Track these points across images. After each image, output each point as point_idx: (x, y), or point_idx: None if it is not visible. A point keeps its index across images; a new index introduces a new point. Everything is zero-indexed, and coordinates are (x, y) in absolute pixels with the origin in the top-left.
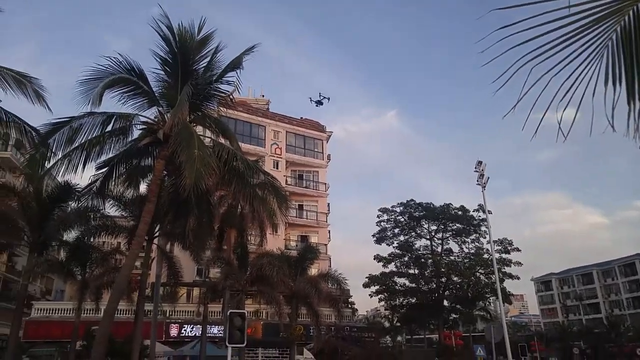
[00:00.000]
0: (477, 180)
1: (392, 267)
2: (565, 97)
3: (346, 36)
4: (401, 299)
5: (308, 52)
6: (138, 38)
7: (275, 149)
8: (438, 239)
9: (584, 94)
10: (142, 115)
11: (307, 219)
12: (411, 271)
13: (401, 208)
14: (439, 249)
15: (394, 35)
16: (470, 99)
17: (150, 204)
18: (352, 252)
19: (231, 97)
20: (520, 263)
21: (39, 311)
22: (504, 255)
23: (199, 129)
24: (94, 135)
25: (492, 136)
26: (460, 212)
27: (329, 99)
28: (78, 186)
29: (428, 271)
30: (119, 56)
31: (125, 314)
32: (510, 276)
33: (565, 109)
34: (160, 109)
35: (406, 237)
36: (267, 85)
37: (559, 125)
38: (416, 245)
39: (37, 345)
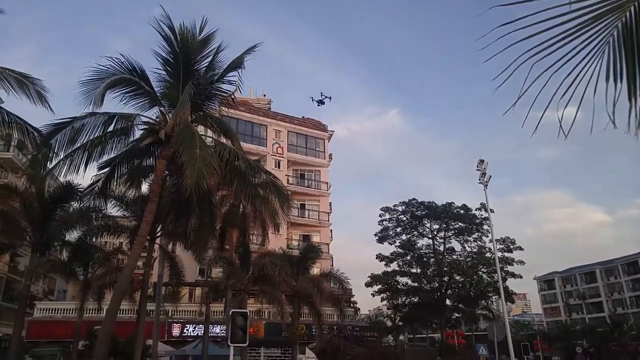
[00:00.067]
0: (479, 179)
1: (394, 266)
2: (567, 94)
3: (348, 35)
4: (403, 298)
5: (309, 51)
6: (139, 38)
7: (277, 148)
8: (440, 237)
9: (585, 90)
10: (143, 116)
11: (309, 218)
12: (413, 270)
13: (403, 207)
14: (441, 248)
15: (396, 33)
16: (472, 96)
17: (152, 204)
18: (354, 251)
19: (233, 96)
20: (522, 262)
21: (42, 311)
22: (506, 254)
23: (201, 129)
24: (95, 136)
25: (494, 134)
26: (462, 211)
27: (330, 98)
28: (80, 186)
29: (430, 270)
30: (121, 56)
31: (128, 313)
32: (513, 275)
33: (566, 106)
34: (161, 109)
35: (408, 236)
36: (268, 84)
37: (560, 123)
38: (418, 244)
39: (40, 345)
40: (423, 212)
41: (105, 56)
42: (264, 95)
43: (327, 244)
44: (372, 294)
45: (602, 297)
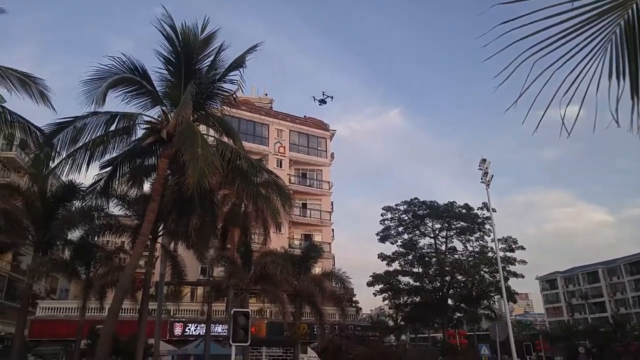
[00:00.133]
0: (481, 178)
1: (396, 265)
2: (569, 92)
3: (349, 34)
4: (405, 298)
5: (311, 51)
6: (141, 38)
7: (279, 147)
8: (442, 237)
9: (587, 88)
10: (145, 115)
11: (310, 217)
12: (415, 270)
13: (405, 206)
14: (443, 248)
15: (397, 33)
16: (473, 96)
17: (154, 203)
18: (356, 250)
19: (234, 96)
20: (524, 261)
21: (44, 310)
22: (508, 254)
23: (203, 128)
24: (97, 135)
25: (496, 133)
26: (464, 210)
27: (332, 97)
28: (82, 185)
29: (432, 270)
30: (122, 56)
31: (130, 312)
32: (515, 275)
33: (568, 104)
34: (163, 108)
35: (410, 235)
36: (270, 83)
37: (562, 121)
38: (420, 244)
39: (42, 344)
40: (425, 212)
41: (107, 55)
42: (266, 95)
43: (329, 243)
44: (373, 294)
45: (605, 297)
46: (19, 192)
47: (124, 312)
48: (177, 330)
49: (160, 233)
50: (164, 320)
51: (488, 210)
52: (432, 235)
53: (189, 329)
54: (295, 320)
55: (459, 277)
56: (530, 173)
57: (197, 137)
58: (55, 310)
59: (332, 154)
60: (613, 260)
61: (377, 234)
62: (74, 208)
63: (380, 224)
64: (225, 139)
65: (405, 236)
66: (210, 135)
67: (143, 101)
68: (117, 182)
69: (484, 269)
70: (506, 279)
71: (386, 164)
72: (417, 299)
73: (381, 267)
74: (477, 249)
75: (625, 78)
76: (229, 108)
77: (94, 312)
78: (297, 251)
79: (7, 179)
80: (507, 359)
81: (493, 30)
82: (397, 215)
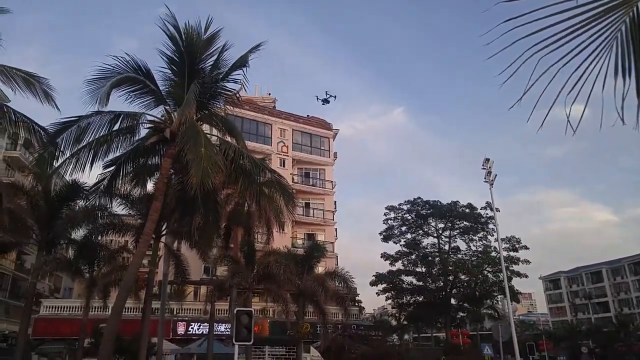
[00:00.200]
0: (485, 178)
1: (399, 265)
2: (574, 89)
3: (353, 33)
4: (408, 297)
5: (314, 50)
6: (144, 38)
7: (282, 147)
8: (445, 237)
9: (593, 86)
10: (149, 114)
11: (313, 217)
12: (418, 269)
13: (408, 206)
14: (446, 247)
15: (401, 32)
16: (477, 95)
17: (157, 202)
18: (359, 250)
19: (238, 95)
20: (528, 261)
21: (48, 309)
22: (512, 253)
23: (206, 127)
24: (101, 134)
25: (499, 132)
26: (467, 210)
27: (335, 97)
28: (86, 185)
29: (435, 269)
30: (126, 55)
31: (133, 311)
32: (519, 274)
33: (573, 102)
34: (167, 107)
35: (413, 235)
36: (273, 83)
37: (568, 120)
38: (423, 243)
39: (46, 342)
40: (428, 211)
41: (110, 55)
42: (269, 94)
43: (332, 243)
44: (376, 293)
45: (609, 297)
46: (23, 192)
47: (128, 311)
48: (180, 329)
49: (164, 232)
50: (167, 319)
51: (491, 209)
52: (435, 235)
53: (192, 328)
54: (298, 319)
55: (462, 277)
56: (534, 172)
57: (201, 137)
58: (59, 309)
59: (335, 154)
60: (617, 260)
61: (380, 234)
62: (77, 207)
63: (384, 223)
64: (229, 139)
65: (409, 236)
66: (214, 135)
67: (146, 100)
68: (120, 182)
69: (487, 269)
70: (509, 279)
71: (389, 163)
72: (420, 299)
73: (384, 267)
74: (480, 249)
75: (631, 76)
76: (232, 107)
77: (97, 311)
78: (300, 250)
79: (11, 178)
80: (510, 359)
81: (496, 28)
82: (400, 214)
